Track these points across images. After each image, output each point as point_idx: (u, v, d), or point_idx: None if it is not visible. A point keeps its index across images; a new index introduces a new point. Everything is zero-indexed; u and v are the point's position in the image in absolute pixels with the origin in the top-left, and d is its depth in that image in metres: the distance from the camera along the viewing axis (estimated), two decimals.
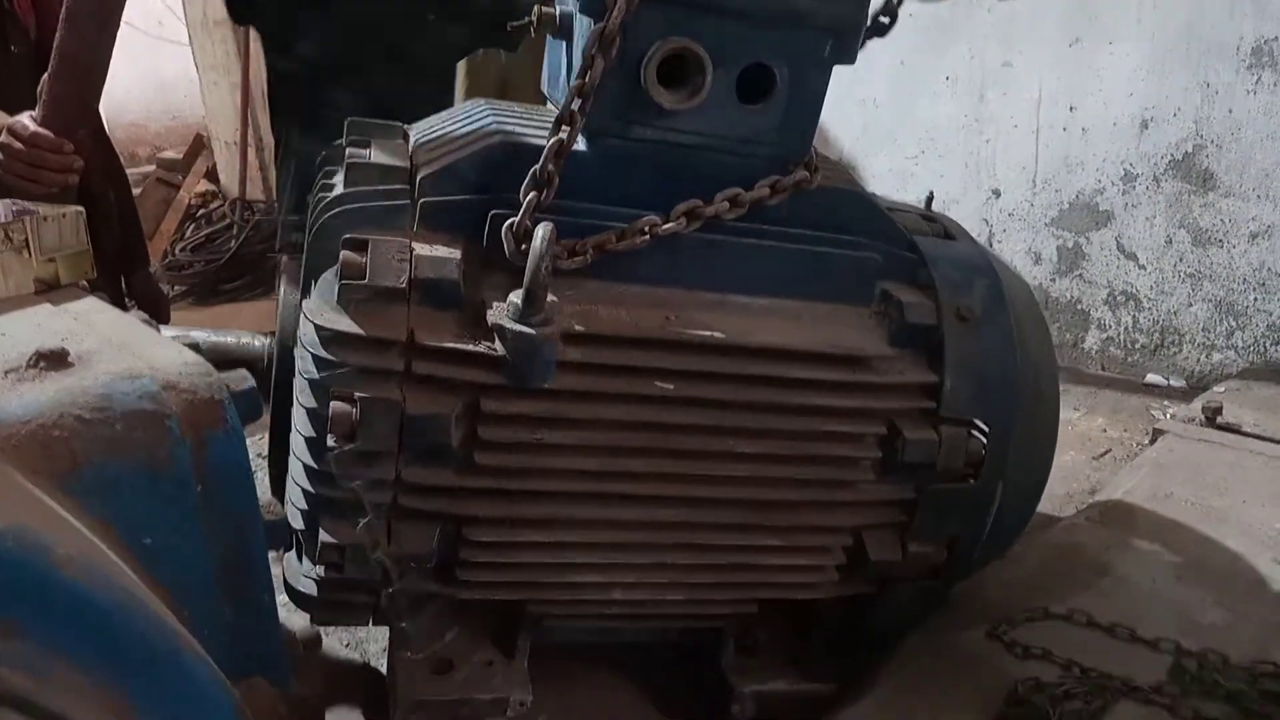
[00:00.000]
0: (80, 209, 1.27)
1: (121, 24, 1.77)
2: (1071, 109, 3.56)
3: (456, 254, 1.33)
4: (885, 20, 1.57)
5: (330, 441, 1.26)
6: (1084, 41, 3.47)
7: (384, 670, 1.74)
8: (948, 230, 1.74)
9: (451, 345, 1.29)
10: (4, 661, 0.69)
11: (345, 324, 1.26)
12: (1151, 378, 3.50)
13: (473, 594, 1.47)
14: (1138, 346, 3.56)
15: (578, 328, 1.34)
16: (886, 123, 4.01)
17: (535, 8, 1.46)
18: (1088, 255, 3.62)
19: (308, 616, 1.56)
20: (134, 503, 0.89)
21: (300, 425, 1.32)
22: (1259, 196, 3.20)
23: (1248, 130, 3.18)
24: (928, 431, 1.53)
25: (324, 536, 1.33)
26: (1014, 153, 3.73)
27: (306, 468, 1.32)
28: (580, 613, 1.58)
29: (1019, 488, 1.69)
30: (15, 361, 0.91)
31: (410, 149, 1.52)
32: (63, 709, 0.71)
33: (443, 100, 2.49)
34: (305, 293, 1.38)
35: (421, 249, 1.32)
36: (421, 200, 1.36)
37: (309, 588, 1.43)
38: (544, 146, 1.30)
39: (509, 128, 1.43)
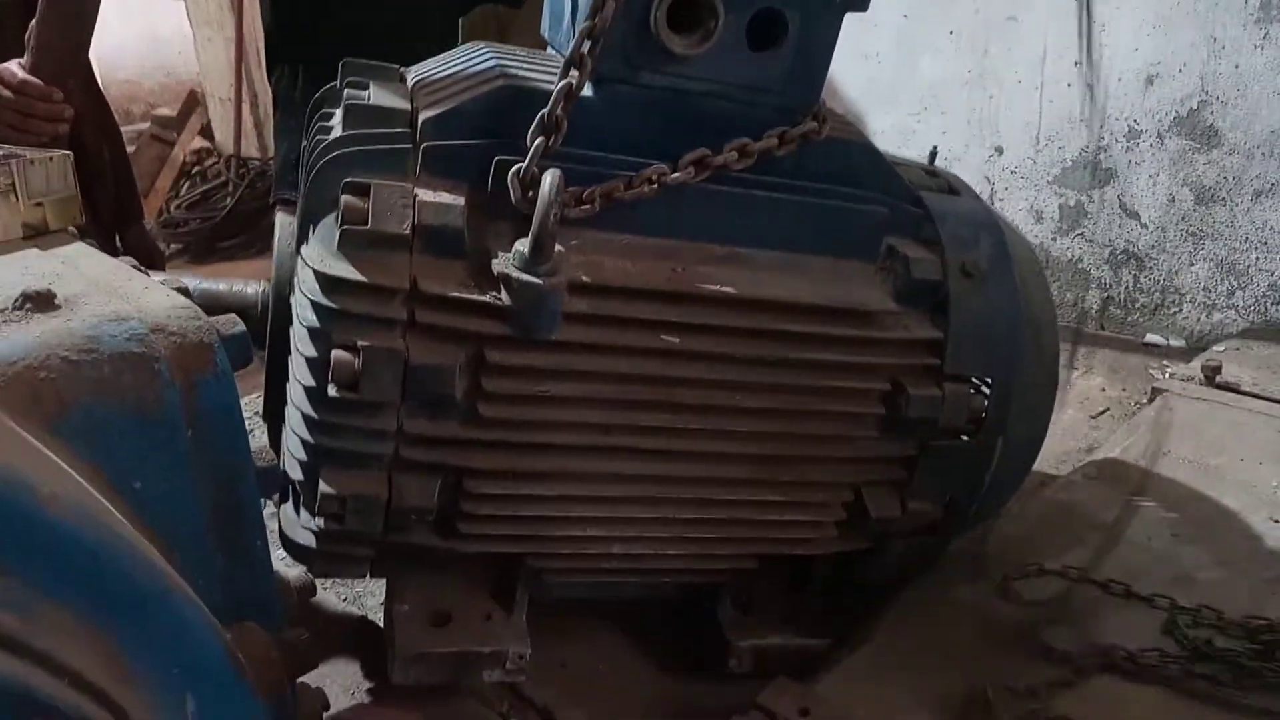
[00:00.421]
0: (68, 153, 1.24)
1: None
2: (1076, 64, 3.51)
3: (461, 201, 1.30)
4: None
5: (331, 391, 1.24)
6: None
7: (381, 624, 1.74)
8: (952, 185, 1.72)
9: (456, 294, 1.27)
10: None
11: (346, 270, 1.24)
12: (1151, 337, 3.49)
13: (473, 547, 1.46)
14: (1138, 306, 3.55)
15: (584, 278, 1.32)
16: (889, 78, 3.96)
17: None
18: (1090, 213, 3.59)
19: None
20: (123, 446, 0.88)
21: (299, 374, 1.31)
22: (1264, 154, 3.17)
23: (1254, 86, 3.15)
24: (931, 388, 1.52)
25: (324, 487, 1.32)
26: (1017, 109, 3.68)
27: (306, 417, 1.31)
28: (580, 566, 1.57)
29: (1018, 445, 1.69)
30: (1, 304, 0.89)
31: (409, 91, 1.48)
32: (49, 649, 0.70)
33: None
34: (303, 239, 1.36)
35: (425, 195, 1.29)
36: (424, 144, 1.33)
37: (307, 539, 1.42)
38: (550, 91, 1.27)
39: (514, 70, 1.40)
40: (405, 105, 1.42)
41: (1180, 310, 3.45)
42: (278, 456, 1.44)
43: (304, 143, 1.53)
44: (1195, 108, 3.28)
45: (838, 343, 1.47)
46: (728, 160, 1.39)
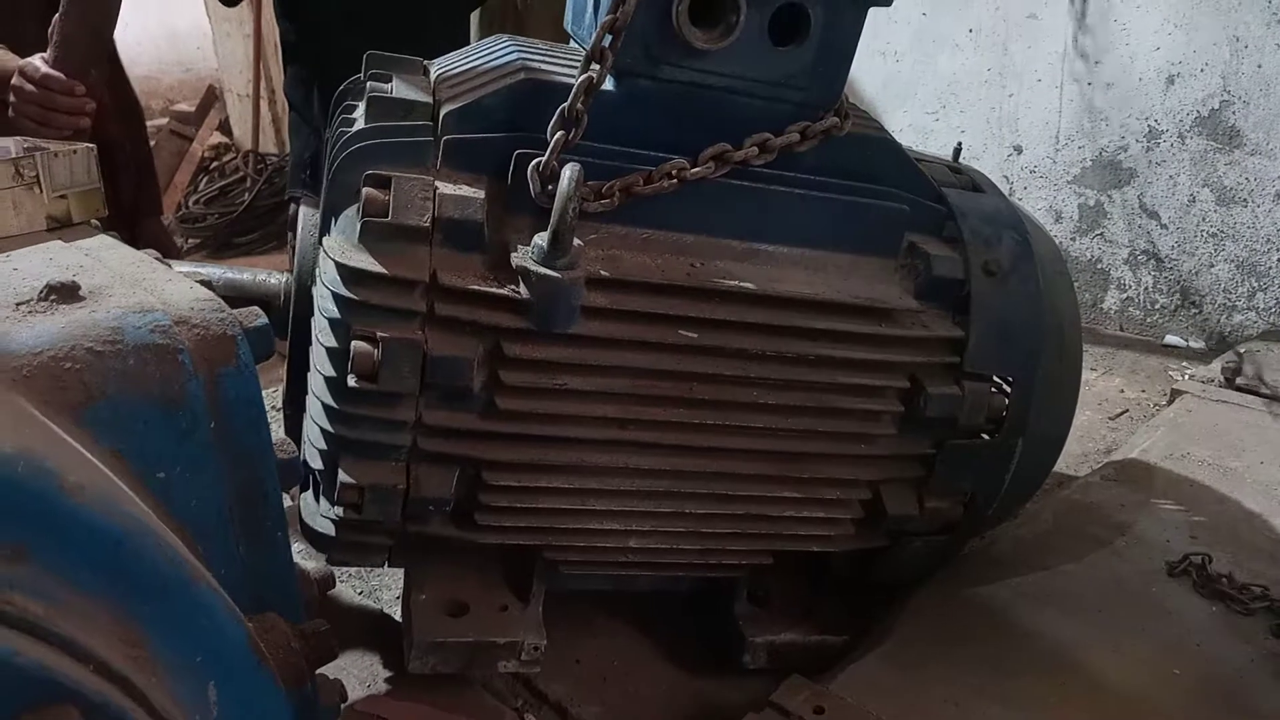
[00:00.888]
0: (91, 146, 1.25)
1: None
2: (1096, 63, 3.50)
3: (480, 194, 1.30)
4: None
5: (351, 381, 1.24)
6: None
7: (398, 618, 1.74)
8: (975, 183, 1.71)
9: (475, 287, 1.27)
10: (13, 586, 0.69)
11: (367, 262, 1.24)
12: (1171, 338, 3.47)
13: (490, 538, 1.46)
14: (1157, 307, 3.53)
15: (603, 273, 1.32)
16: (907, 76, 3.95)
17: None
18: (1109, 214, 3.57)
19: (322, 558, 1.56)
20: (147, 437, 0.88)
21: (320, 364, 1.31)
22: None
23: (1277, 86, 3.13)
24: (951, 386, 1.52)
25: (343, 477, 1.33)
26: (1037, 108, 3.67)
27: (326, 407, 1.31)
28: (596, 560, 1.57)
29: (1038, 445, 1.68)
30: (26, 294, 0.89)
31: (432, 84, 1.49)
32: (73, 635, 0.70)
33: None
34: (324, 230, 1.36)
35: (445, 187, 1.29)
36: (445, 137, 1.33)
37: (326, 528, 1.43)
38: (571, 84, 1.27)
39: (535, 64, 1.40)
40: (427, 98, 1.42)
41: (1200, 311, 3.43)
42: (299, 445, 1.45)
43: (326, 135, 1.54)
44: (1217, 107, 3.26)
45: (857, 340, 1.46)
46: (748, 155, 1.39)
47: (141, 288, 0.96)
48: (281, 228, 5.58)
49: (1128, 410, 2.93)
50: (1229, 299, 3.37)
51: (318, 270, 1.35)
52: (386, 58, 1.57)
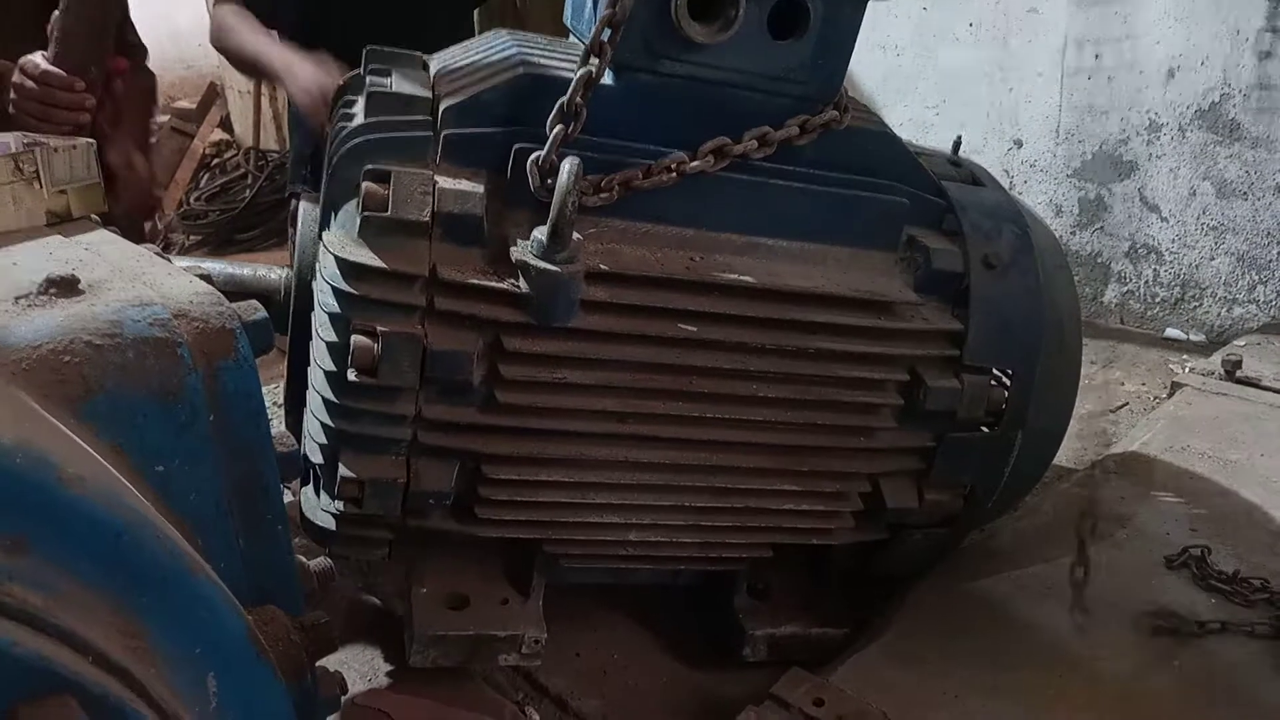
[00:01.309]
0: (91, 141, 1.25)
1: None
2: (1097, 56, 3.49)
3: (480, 188, 1.30)
4: None
5: (351, 376, 1.25)
6: None
7: (398, 612, 1.75)
8: (975, 176, 1.71)
9: (475, 281, 1.27)
10: (12, 577, 0.68)
11: (367, 257, 1.24)
12: (1171, 332, 3.47)
13: (490, 532, 1.47)
14: (1158, 300, 3.53)
15: (602, 266, 1.33)
16: (908, 70, 3.94)
17: None
18: (1110, 207, 3.57)
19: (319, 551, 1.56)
20: (146, 430, 0.88)
21: (320, 359, 1.31)
22: None
23: (1278, 79, 3.12)
24: (950, 379, 1.52)
25: (344, 471, 1.33)
26: (1037, 102, 3.66)
27: (326, 402, 1.32)
28: (596, 553, 1.57)
29: (1038, 438, 1.68)
30: (26, 288, 0.90)
31: (431, 79, 1.49)
32: (72, 626, 0.70)
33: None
34: (324, 225, 1.36)
35: (445, 182, 1.29)
36: (444, 132, 1.33)
37: (327, 522, 1.43)
38: (570, 79, 1.27)
39: (534, 59, 1.40)
40: (427, 93, 1.42)
41: (1201, 305, 3.43)
42: (299, 440, 1.46)
43: (327, 129, 1.54)
44: (1217, 100, 3.26)
45: (856, 333, 1.46)
46: (747, 149, 1.39)
47: (141, 282, 0.96)
48: (282, 224, 5.57)
49: (1128, 403, 2.93)
50: (1229, 292, 3.37)
51: (318, 265, 1.35)
52: (386, 53, 1.57)
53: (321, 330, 1.30)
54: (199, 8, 6.85)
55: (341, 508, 1.37)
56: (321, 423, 1.34)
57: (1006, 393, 1.58)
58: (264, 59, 2.31)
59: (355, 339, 1.24)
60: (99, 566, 0.75)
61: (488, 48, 1.49)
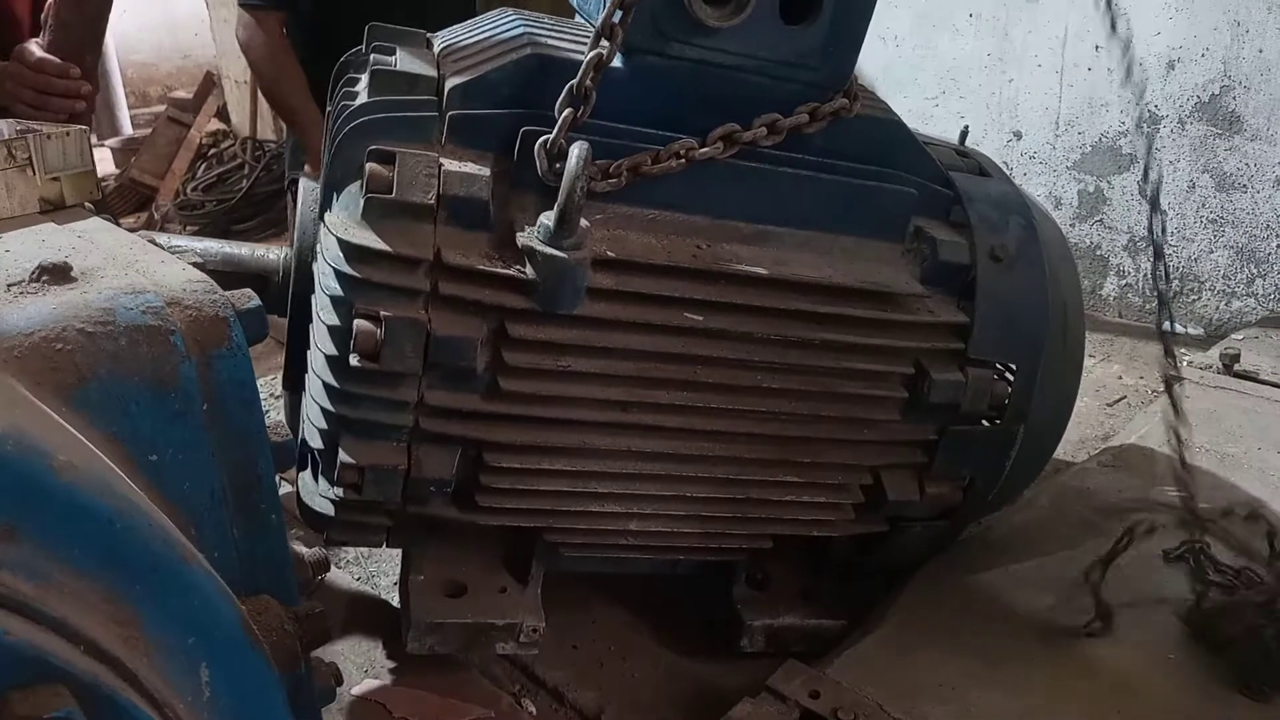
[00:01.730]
0: (84, 128, 1.23)
1: None
2: (1097, 48, 3.47)
3: (486, 171, 1.28)
4: None
5: (353, 360, 1.23)
6: None
7: (396, 604, 1.74)
8: (982, 167, 1.69)
9: (480, 266, 1.25)
10: (4, 566, 0.68)
11: (370, 239, 1.22)
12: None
13: (491, 520, 1.45)
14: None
15: (609, 253, 1.31)
16: (908, 61, 3.92)
17: None
18: (1109, 200, 3.56)
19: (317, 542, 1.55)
20: (140, 419, 0.87)
21: (321, 342, 1.29)
22: None
23: (1278, 71, 3.11)
24: (954, 372, 1.51)
25: (343, 457, 1.31)
26: (1037, 93, 3.65)
27: (327, 386, 1.30)
28: (596, 542, 1.56)
29: (1039, 431, 1.68)
30: (18, 275, 0.89)
31: (436, 57, 1.46)
32: (64, 615, 0.70)
33: None
34: (326, 206, 1.34)
35: (450, 164, 1.27)
36: (450, 113, 1.31)
37: (325, 508, 1.42)
38: (579, 61, 1.25)
39: (542, 39, 1.38)
40: (432, 72, 1.40)
41: (1199, 298, 3.43)
42: (298, 425, 1.44)
43: (328, 109, 1.51)
44: (1217, 93, 3.25)
45: (861, 324, 1.45)
46: (756, 136, 1.37)
47: (134, 269, 0.96)
48: (280, 215, 5.55)
49: (1125, 397, 2.93)
50: (1228, 285, 3.36)
51: (319, 247, 1.33)
52: (390, 30, 1.54)
53: (323, 313, 1.28)
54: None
55: (341, 494, 1.35)
56: (321, 407, 1.32)
57: (1010, 387, 1.57)
58: (299, 114, 2.49)
59: (358, 323, 1.22)
60: (91, 555, 0.74)
61: (494, 26, 1.46)
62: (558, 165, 1.25)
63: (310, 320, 1.37)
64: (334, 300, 1.25)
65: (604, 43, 1.23)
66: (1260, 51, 3.13)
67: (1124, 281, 3.60)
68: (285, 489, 1.82)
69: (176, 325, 0.90)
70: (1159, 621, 1.65)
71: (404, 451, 1.34)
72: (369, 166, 1.24)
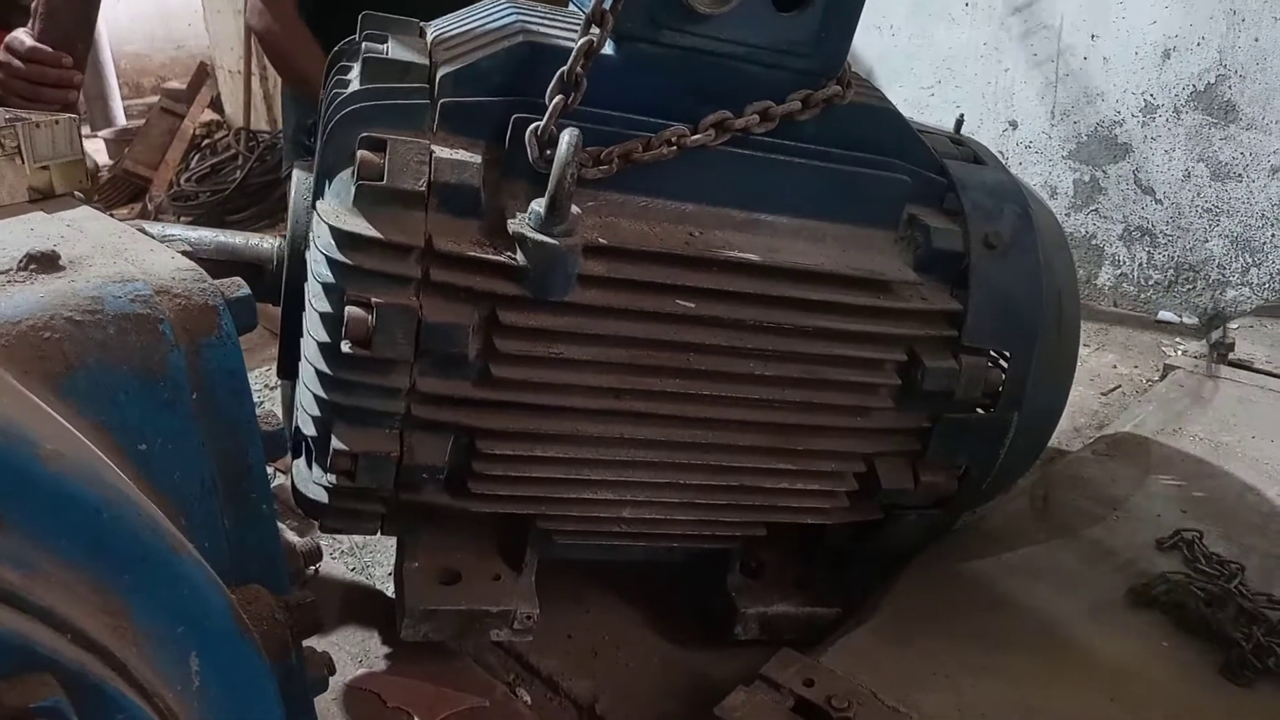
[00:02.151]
0: (74, 116, 1.23)
1: None
2: (1093, 37, 3.47)
3: (477, 159, 1.28)
4: None
5: (345, 347, 1.23)
6: None
7: (390, 594, 1.74)
8: (977, 155, 1.69)
9: (471, 253, 1.25)
10: None
11: (361, 226, 1.22)
12: (1164, 314, 3.47)
13: (484, 507, 1.45)
14: (1151, 283, 3.53)
15: (600, 240, 1.31)
16: (903, 50, 3.92)
17: None
18: (1104, 189, 3.56)
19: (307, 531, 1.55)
20: (128, 408, 0.87)
21: (313, 329, 1.29)
22: None
23: (1274, 60, 3.11)
24: (948, 360, 1.51)
25: (336, 444, 1.31)
26: (1033, 83, 3.64)
27: (319, 373, 1.30)
28: (590, 529, 1.56)
29: (1034, 419, 1.68)
30: (5, 264, 0.89)
31: (429, 45, 1.46)
32: (51, 604, 0.69)
33: None
34: (318, 194, 1.34)
35: (441, 151, 1.27)
36: (441, 100, 1.31)
37: (319, 495, 1.42)
38: (571, 48, 1.24)
39: (533, 27, 1.37)
40: (424, 60, 1.39)
41: (1194, 287, 3.43)
42: (292, 412, 1.44)
43: (321, 96, 1.51)
44: (1213, 82, 3.25)
45: (854, 311, 1.45)
46: (749, 123, 1.37)
47: (123, 258, 0.95)
48: (274, 205, 5.55)
49: (1120, 386, 2.93)
50: (1223, 275, 3.37)
51: (311, 234, 1.33)
52: (382, 18, 1.54)
53: (315, 300, 1.28)
54: None
55: (334, 481, 1.35)
56: (314, 394, 1.32)
57: (1004, 374, 1.57)
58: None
59: (349, 310, 1.22)
60: (79, 544, 0.74)
61: (486, 15, 1.46)
62: (548, 152, 1.25)
63: (304, 308, 1.37)
64: (326, 287, 1.25)
65: (595, 29, 1.23)
66: (1256, 40, 3.13)
67: (1119, 270, 3.60)
68: (279, 479, 1.82)
69: (165, 314, 0.89)
70: (1152, 610, 1.65)
71: (396, 438, 1.34)
72: (360, 154, 1.24)
